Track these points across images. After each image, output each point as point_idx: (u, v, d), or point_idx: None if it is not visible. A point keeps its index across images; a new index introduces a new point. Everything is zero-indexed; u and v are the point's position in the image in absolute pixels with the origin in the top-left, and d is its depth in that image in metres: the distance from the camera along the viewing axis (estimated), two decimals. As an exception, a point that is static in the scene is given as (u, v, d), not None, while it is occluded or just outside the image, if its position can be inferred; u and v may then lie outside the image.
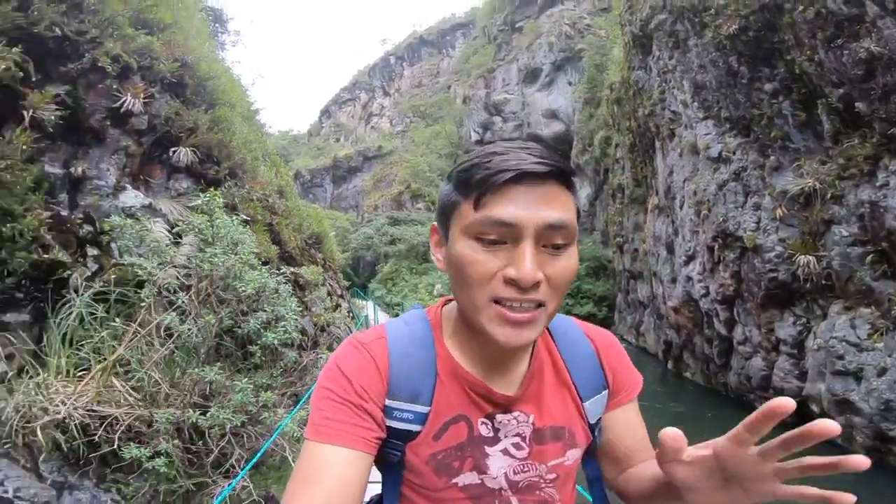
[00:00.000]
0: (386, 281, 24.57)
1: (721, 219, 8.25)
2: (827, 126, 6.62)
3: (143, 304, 3.45)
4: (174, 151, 5.16)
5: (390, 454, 0.72)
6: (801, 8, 6.52)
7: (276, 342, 3.99)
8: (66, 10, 4.50)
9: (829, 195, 6.29)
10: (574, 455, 0.78)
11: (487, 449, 0.73)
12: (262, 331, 3.95)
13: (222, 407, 3.44)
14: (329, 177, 42.32)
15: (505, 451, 0.73)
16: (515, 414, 0.74)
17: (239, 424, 3.51)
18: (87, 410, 3.36)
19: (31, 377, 3.24)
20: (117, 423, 3.33)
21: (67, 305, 3.39)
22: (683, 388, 10.59)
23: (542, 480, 0.75)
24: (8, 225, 3.17)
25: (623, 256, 15.12)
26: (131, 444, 3.21)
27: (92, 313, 3.41)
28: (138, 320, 3.38)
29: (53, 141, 4.02)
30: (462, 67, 47.98)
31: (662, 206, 11.70)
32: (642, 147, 13.09)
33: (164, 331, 3.55)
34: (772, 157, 7.37)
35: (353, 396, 0.68)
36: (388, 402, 0.70)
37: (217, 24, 14.28)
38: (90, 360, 3.34)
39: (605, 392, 0.81)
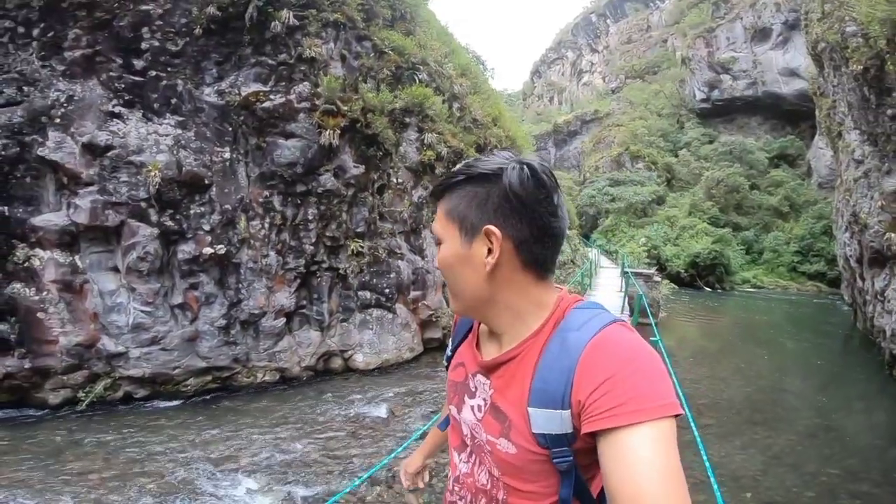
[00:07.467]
0: (606, 232, 29.99)
1: (854, 203, 11.78)
2: (922, 145, 9.83)
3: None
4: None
5: None
6: (889, 62, 9.67)
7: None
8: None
9: (908, 195, 9.86)
10: (507, 447, 0.78)
11: (467, 398, 0.88)
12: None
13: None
14: (551, 140, 46.30)
15: (472, 408, 0.86)
16: (487, 381, 0.84)
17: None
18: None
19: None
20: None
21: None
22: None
23: (484, 448, 0.83)
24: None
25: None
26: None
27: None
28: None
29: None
30: (676, 22, 46.58)
31: (841, 185, 14.65)
32: (832, 135, 15.65)
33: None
34: (886, 164, 10.75)
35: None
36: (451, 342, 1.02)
37: (480, 66, 22.51)
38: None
39: (561, 412, 0.71)
